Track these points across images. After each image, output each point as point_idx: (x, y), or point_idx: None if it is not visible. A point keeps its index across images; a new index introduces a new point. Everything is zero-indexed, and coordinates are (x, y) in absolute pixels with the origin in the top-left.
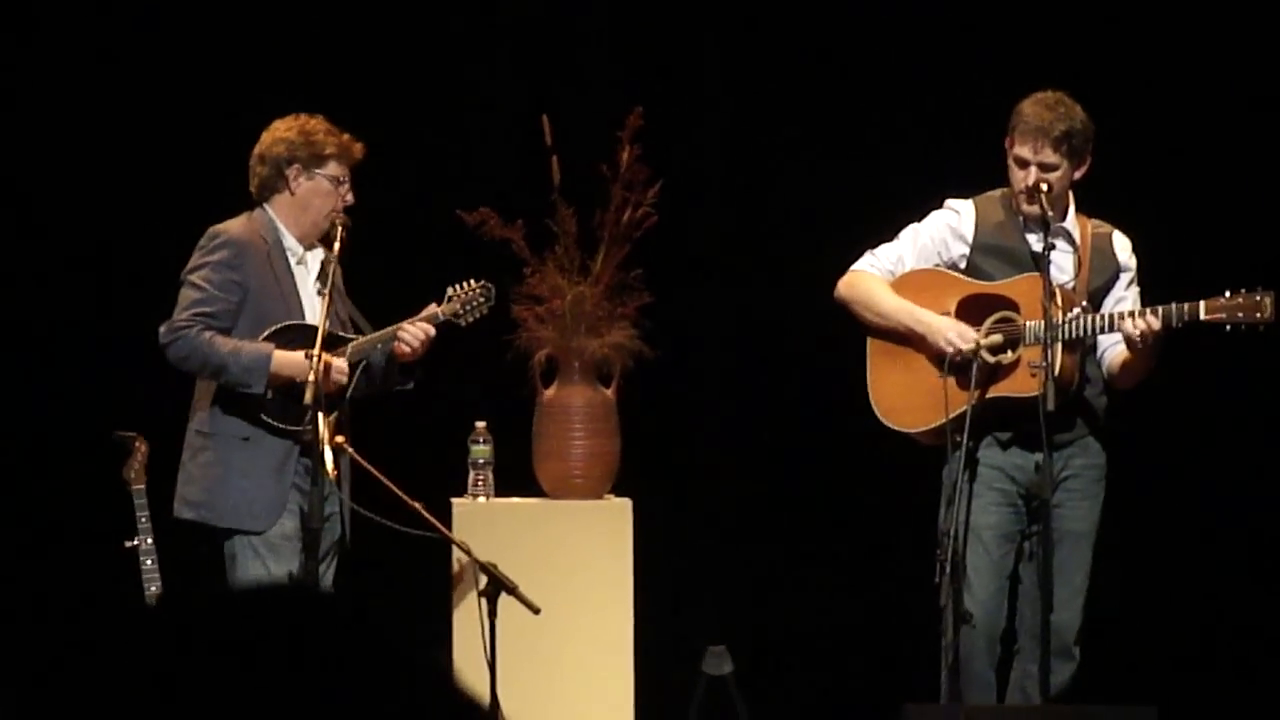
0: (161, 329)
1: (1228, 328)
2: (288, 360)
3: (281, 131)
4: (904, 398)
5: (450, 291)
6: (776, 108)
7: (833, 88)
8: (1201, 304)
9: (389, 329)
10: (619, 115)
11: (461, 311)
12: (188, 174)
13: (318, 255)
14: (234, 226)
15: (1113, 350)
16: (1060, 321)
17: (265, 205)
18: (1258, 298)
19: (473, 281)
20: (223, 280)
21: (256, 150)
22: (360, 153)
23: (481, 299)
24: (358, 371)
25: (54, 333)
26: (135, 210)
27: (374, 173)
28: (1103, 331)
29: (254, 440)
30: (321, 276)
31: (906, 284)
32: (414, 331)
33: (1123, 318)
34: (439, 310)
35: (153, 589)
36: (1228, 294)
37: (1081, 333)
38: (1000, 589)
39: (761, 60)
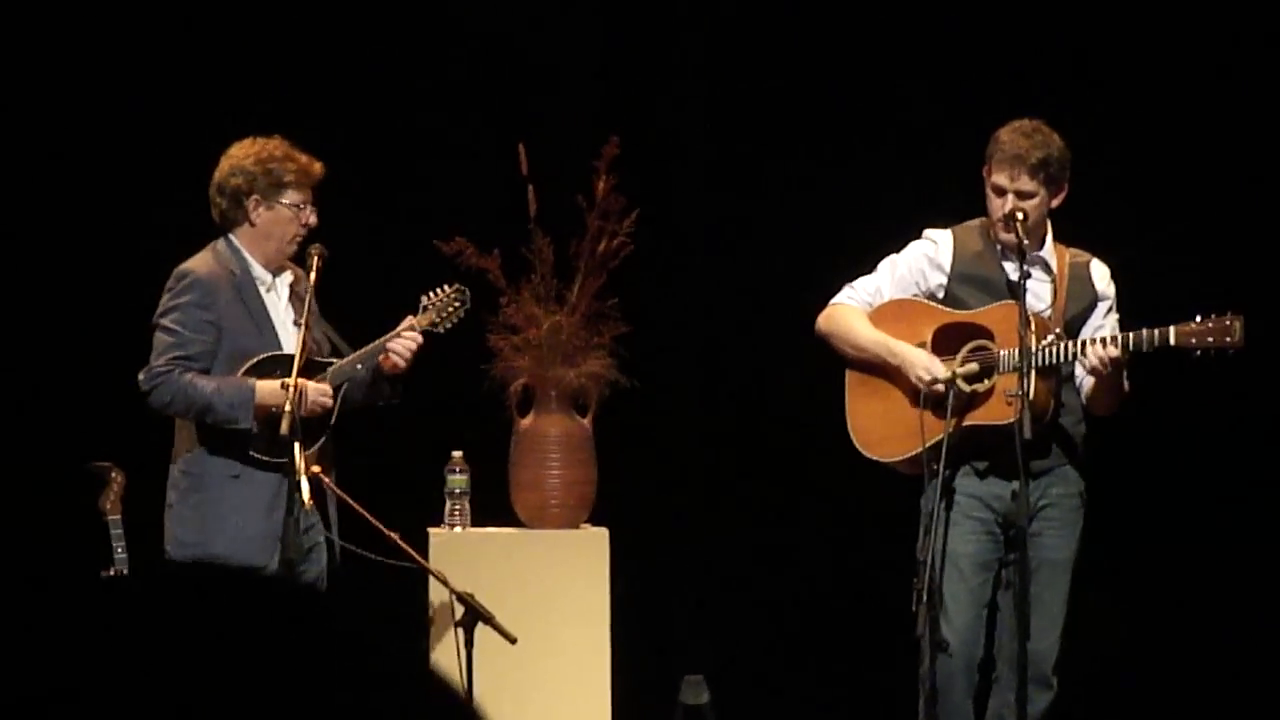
0: (140, 376)
1: (1198, 353)
2: (270, 391)
3: (239, 160)
4: (881, 427)
5: (425, 300)
6: (753, 137)
7: (810, 118)
8: (1171, 329)
9: (369, 347)
10: (595, 144)
11: (439, 319)
12: (165, 199)
13: (286, 279)
14: (200, 265)
15: (1089, 378)
16: (1034, 349)
17: (229, 235)
18: (1227, 322)
19: (446, 287)
20: (195, 321)
21: (215, 179)
22: (320, 172)
23: (457, 303)
24: (340, 393)
25: (28, 362)
26: (110, 239)
27: (350, 203)
28: (1076, 359)
29: (244, 477)
30: (293, 301)
31: (883, 314)
32: (404, 342)
33: (1092, 345)
34: (415, 321)
35: None
36: (1198, 319)
37: (1055, 360)
38: (978, 617)
39: (739, 89)
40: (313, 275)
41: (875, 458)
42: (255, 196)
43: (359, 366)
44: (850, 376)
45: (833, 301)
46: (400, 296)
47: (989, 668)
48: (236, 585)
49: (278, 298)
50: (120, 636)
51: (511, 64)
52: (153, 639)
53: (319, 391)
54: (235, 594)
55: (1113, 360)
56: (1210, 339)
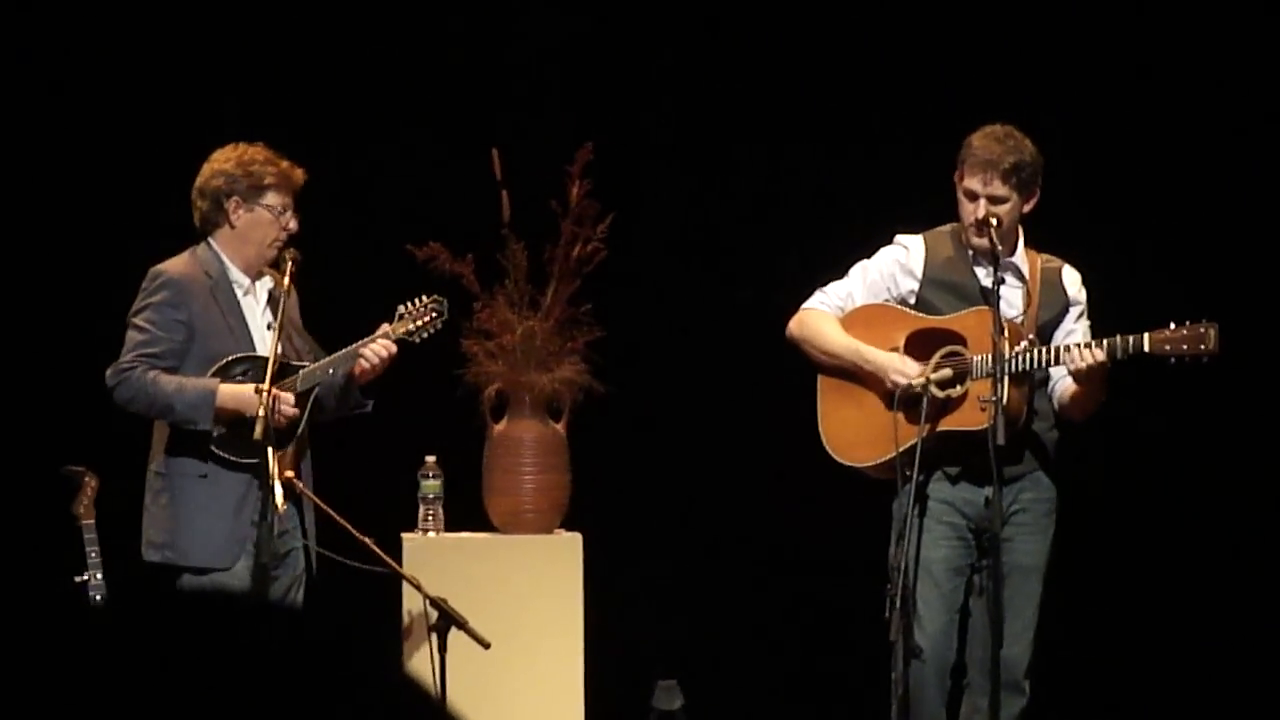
0: (108, 372)
1: (1172, 360)
2: (233, 394)
3: (219, 163)
4: (854, 433)
5: (401, 310)
6: (726, 143)
7: (783, 123)
8: (1146, 336)
9: (342, 353)
10: (569, 150)
11: (414, 329)
12: (145, 203)
13: (265, 284)
14: (174, 265)
15: (1062, 383)
16: (1008, 355)
17: (209, 239)
18: (1202, 330)
19: (424, 297)
20: (165, 320)
21: (196, 183)
22: (301, 179)
23: (434, 313)
24: (310, 399)
25: (2, 367)
26: (86, 243)
27: (325, 207)
28: (1049, 365)
29: (212, 477)
30: (272, 306)
31: (855, 319)
32: (375, 349)
33: (1068, 351)
34: (390, 329)
35: None
36: (1172, 326)
37: (1028, 366)
38: (950, 623)
39: (712, 95)
40: (285, 279)
41: (847, 463)
42: (235, 198)
43: (330, 371)
44: (822, 382)
45: (804, 306)
46: (374, 302)
47: (961, 673)
48: (210, 610)
49: (255, 302)
50: (92, 663)
51: (485, 69)
52: (124, 666)
53: (284, 401)
54: (209, 619)
55: (1098, 365)
56: (1185, 346)
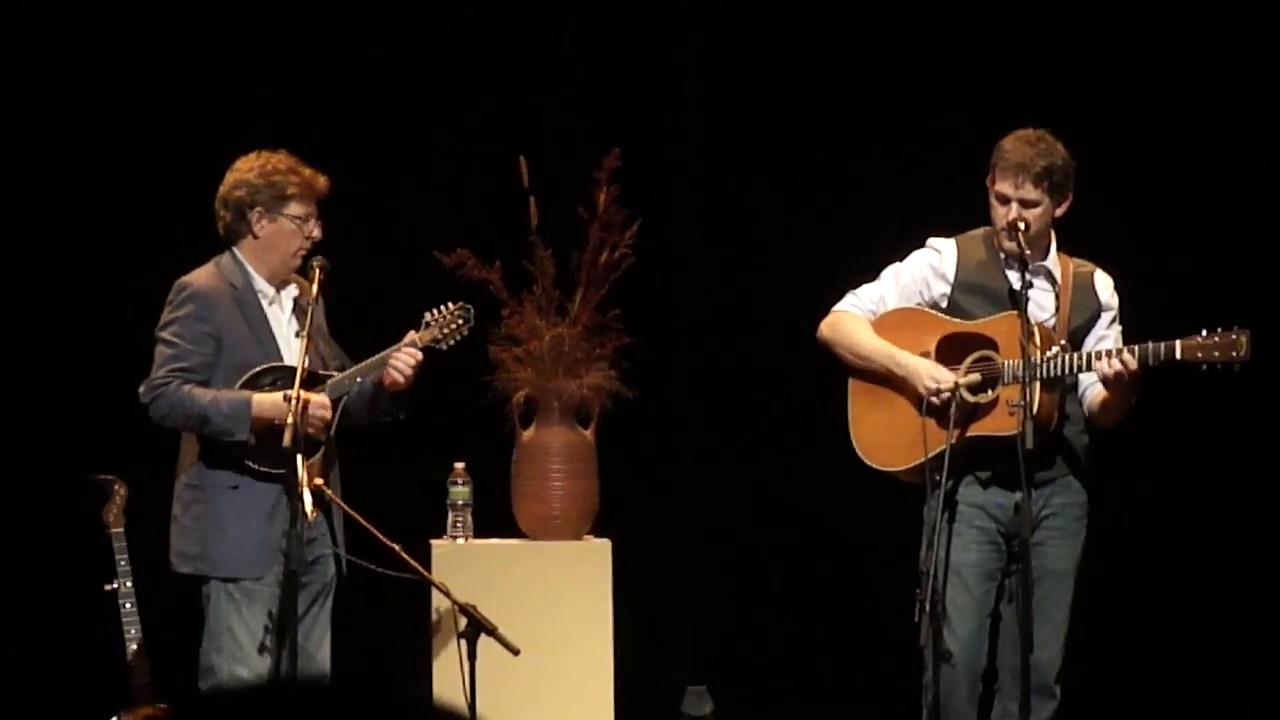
0: (141, 388)
1: (1204, 367)
2: (268, 403)
3: (242, 173)
4: (884, 437)
5: (428, 317)
6: (755, 147)
7: (812, 126)
8: (1178, 343)
9: (370, 360)
10: (596, 156)
11: (441, 336)
12: (174, 212)
13: (291, 292)
14: (199, 277)
15: (1093, 389)
16: (1039, 360)
17: (233, 249)
18: (1234, 336)
19: (450, 305)
20: (194, 333)
21: (219, 193)
22: (325, 186)
23: (460, 320)
24: (339, 406)
25: (33, 374)
26: (117, 251)
27: (352, 215)
28: (1081, 370)
29: (243, 488)
30: (298, 314)
31: (886, 323)
32: (403, 358)
33: (1099, 357)
34: (417, 337)
35: (133, 632)
36: (1204, 333)
37: (1060, 372)
38: (981, 627)
39: (739, 99)
40: (314, 287)
41: (877, 467)
42: (259, 209)
43: (359, 380)
44: (853, 385)
45: (835, 308)
46: (402, 308)
47: (992, 678)
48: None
49: (281, 310)
50: None
51: (512, 76)
52: None
53: (318, 404)
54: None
55: (1130, 372)
56: (1216, 353)
